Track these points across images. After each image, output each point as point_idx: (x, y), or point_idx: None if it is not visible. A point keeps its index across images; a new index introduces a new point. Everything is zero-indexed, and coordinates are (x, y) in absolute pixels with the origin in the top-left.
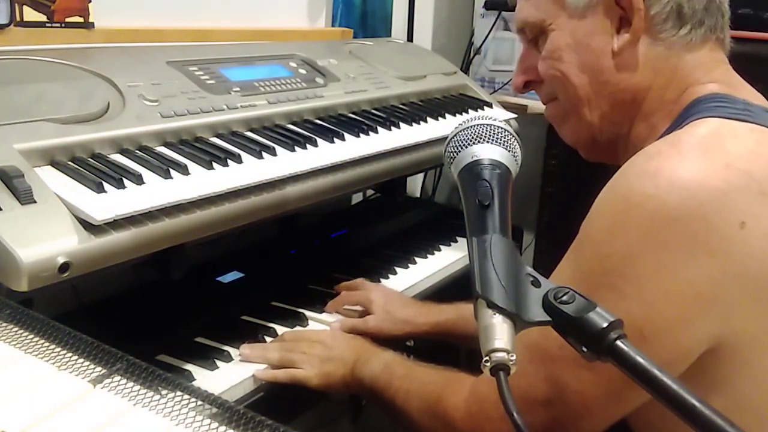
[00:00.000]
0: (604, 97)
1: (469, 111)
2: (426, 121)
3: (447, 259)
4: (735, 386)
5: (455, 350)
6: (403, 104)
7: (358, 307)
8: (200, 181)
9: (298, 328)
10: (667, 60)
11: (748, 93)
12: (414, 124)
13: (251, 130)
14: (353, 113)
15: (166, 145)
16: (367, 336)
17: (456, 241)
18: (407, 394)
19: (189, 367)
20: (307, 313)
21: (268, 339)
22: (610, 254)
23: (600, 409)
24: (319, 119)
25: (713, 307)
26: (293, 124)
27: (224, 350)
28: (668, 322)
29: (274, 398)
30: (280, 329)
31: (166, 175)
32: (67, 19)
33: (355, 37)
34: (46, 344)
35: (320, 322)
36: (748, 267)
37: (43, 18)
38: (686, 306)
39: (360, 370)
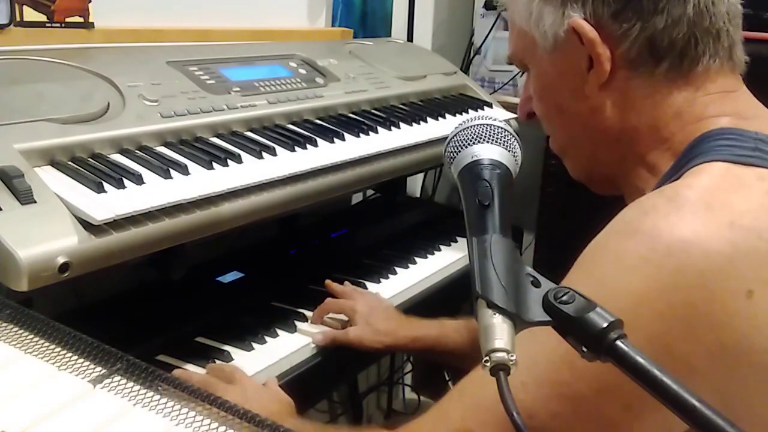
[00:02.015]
0: (586, 138)
1: (469, 111)
2: (426, 121)
3: (447, 259)
4: None
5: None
6: (403, 104)
7: (342, 317)
8: (200, 181)
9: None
10: (649, 98)
11: (761, 121)
12: (414, 124)
13: (251, 130)
14: (353, 113)
15: (166, 145)
16: (348, 346)
17: (456, 241)
18: None
19: (189, 367)
20: (307, 313)
21: (268, 339)
22: None
23: None
24: (319, 119)
25: (707, 383)
26: (293, 124)
27: (224, 350)
28: None
29: None
30: (280, 329)
31: (166, 175)
32: (67, 19)
33: (355, 37)
34: (46, 344)
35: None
36: (752, 340)
37: (43, 18)
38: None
39: None
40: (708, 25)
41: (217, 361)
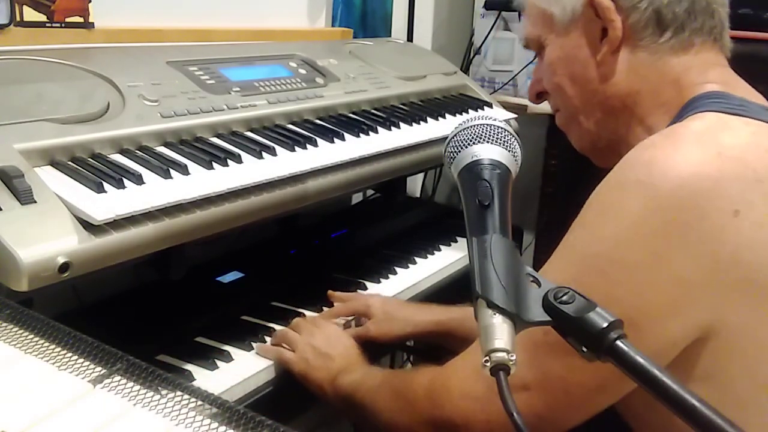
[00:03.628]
0: (596, 105)
1: (469, 111)
2: (426, 121)
3: (447, 259)
4: (727, 377)
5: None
6: (403, 104)
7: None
8: (200, 181)
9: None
10: (652, 65)
11: (745, 91)
12: (414, 124)
13: (251, 130)
14: (353, 113)
15: (166, 145)
16: (372, 340)
17: (456, 241)
18: (378, 388)
19: (189, 367)
20: (307, 313)
21: (268, 339)
22: (601, 239)
23: (583, 397)
24: (319, 119)
25: (704, 296)
26: (293, 124)
27: (224, 350)
28: (658, 310)
29: (274, 398)
30: (280, 329)
31: (166, 175)
32: (67, 19)
33: (355, 37)
34: (46, 344)
35: None
36: (741, 255)
37: (43, 18)
38: (677, 294)
39: (341, 379)
40: (705, 5)
41: (218, 362)
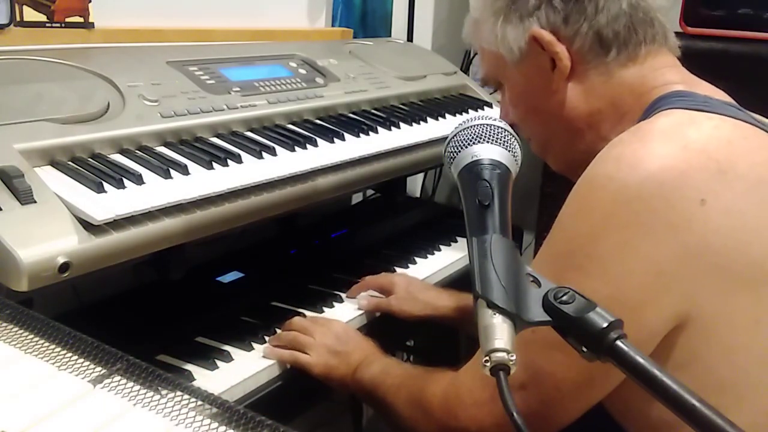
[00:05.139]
0: (562, 131)
1: (469, 111)
2: (426, 121)
3: (447, 259)
4: (706, 363)
5: (455, 350)
6: (403, 104)
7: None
8: (200, 181)
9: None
10: (606, 83)
11: (706, 89)
12: (414, 124)
13: (251, 130)
14: (353, 113)
15: (166, 145)
16: (390, 314)
17: (456, 241)
18: (397, 389)
19: (189, 367)
20: (308, 313)
21: (268, 339)
22: (576, 235)
23: (573, 392)
24: (319, 119)
25: (677, 284)
26: (293, 124)
27: (224, 350)
28: (634, 301)
29: (274, 398)
30: (280, 329)
31: (166, 175)
32: (67, 19)
33: (355, 37)
34: (46, 344)
35: None
36: (710, 242)
37: (43, 18)
38: (650, 283)
39: (362, 372)
40: (642, 16)
41: (218, 362)
